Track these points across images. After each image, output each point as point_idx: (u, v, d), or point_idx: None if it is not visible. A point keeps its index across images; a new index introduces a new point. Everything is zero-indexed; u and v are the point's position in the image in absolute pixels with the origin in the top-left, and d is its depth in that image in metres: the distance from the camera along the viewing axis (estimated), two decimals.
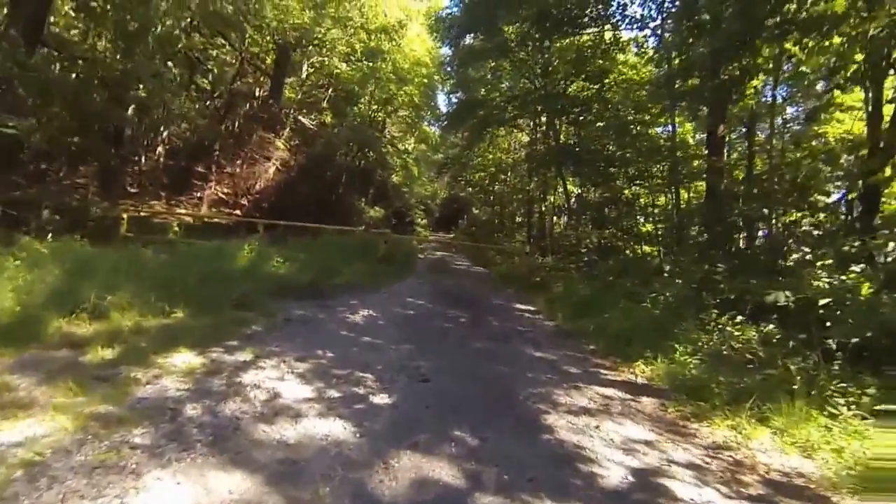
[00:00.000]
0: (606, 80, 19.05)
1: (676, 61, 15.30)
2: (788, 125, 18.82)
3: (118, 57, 15.31)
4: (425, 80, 28.57)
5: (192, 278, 8.08)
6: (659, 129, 18.37)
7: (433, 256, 24.22)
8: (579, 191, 22.37)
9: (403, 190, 41.88)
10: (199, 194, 19.78)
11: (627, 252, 16.61)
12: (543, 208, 27.22)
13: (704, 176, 14.31)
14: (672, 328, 7.80)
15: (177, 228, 16.68)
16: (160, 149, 19.73)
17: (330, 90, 26.04)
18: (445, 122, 30.13)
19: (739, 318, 7.54)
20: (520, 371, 6.31)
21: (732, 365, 6.15)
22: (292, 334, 6.81)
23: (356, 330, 7.54)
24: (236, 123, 22.56)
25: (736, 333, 7.17)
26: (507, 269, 18.02)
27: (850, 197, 10.34)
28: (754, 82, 12.97)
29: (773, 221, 11.57)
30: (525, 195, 29.31)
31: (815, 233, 10.10)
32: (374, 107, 28.79)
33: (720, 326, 7.57)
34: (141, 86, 15.65)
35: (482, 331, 8.59)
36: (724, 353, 6.69)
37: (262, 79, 24.03)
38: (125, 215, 15.26)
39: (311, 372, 5.28)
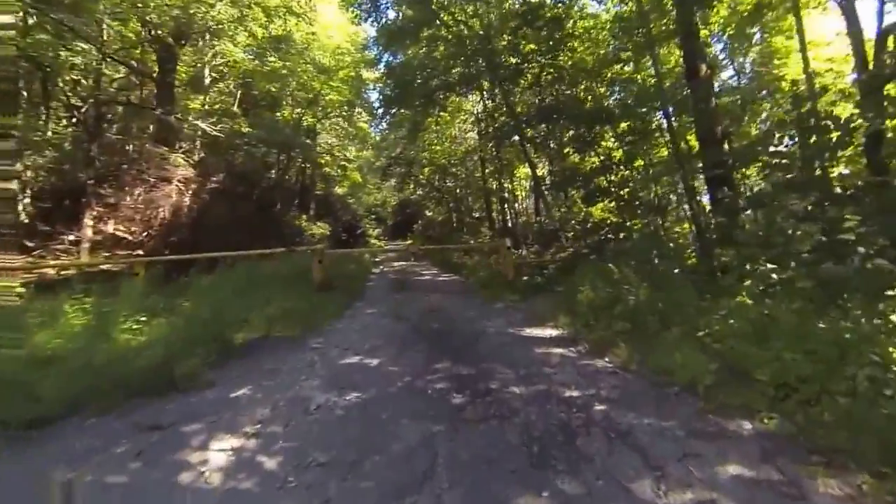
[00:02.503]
0: (563, 30, 14.65)
1: None
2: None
3: None
4: (352, 74, 23.48)
5: None
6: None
7: (391, 268, 19.19)
8: (548, 168, 17.84)
9: (350, 201, 36.90)
10: (75, 237, 14.16)
11: (631, 228, 12.18)
12: (506, 195, 22.73)
13: None
14: None
15: (21, 290, 10.06)
16: (10, 185, 14.30)
17: (239, 92, 20.70)
18: (381, 110, 24.82)
19: None
20: None
21: None
22: None
23: None
24: (130, 145, 17.22)
25: None
26: (486, 274, 13.25)
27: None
28: None
29: None
30: (483, 179, 24.66)
31: None
32: (299, 111, 23.69)
33: None
34: None
35: (507, 429, 3.84)
36: None
37: (149, 86, 18.42)
38: None
39: None
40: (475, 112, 24.95)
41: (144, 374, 4.93)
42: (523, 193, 26.56)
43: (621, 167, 12.00)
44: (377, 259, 22.26)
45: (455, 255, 18.53)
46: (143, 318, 6.97)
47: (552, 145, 16.26)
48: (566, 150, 15.52)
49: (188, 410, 4.46)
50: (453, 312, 8.92)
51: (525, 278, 12.00)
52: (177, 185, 16.08)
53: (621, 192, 11.81)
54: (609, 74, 14.85)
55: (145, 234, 15.01)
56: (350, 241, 30.81)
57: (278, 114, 22.85)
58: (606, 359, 5.49)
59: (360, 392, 4.76)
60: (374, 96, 28.39)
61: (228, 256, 11.35)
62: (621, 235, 12.31)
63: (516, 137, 16.97)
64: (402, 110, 21.45)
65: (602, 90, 15.01)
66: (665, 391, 4.46)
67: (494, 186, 24.76)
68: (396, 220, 48.45)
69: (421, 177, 30.28)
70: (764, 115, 14.55)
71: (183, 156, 16.61)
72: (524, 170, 22.84)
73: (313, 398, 4.68)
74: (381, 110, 24.08)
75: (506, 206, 24.71)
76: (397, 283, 13.56)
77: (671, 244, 9.33)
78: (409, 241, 35.57)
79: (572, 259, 11.83)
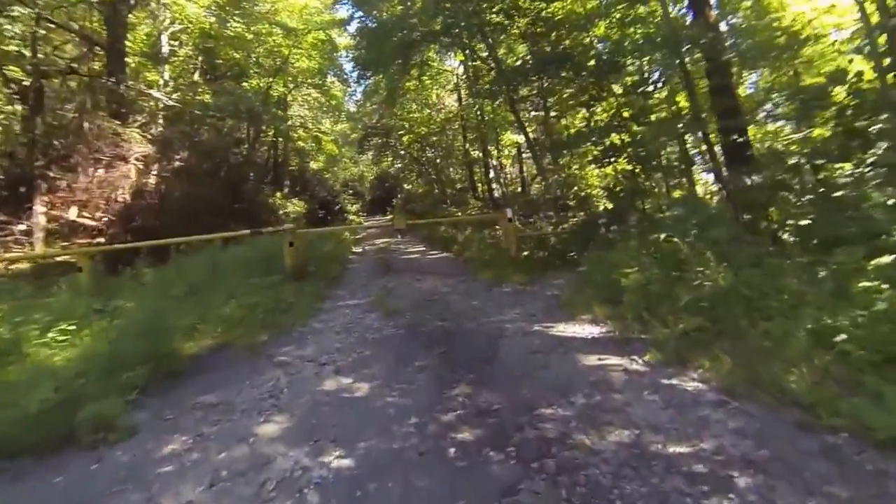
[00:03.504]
0: None
1: None
2: None
3: None
4: (322, 37, 21.23)
5: None
6: None
7: (373, 247, 17.36)
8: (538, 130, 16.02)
9: (326, 176, 34.70)
10: (25, 226, 12.24)
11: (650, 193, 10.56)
12: (494, 162, 20.89)
13: None
14: None
15: None
16: None
17: (200, 59, 18.38)
18: (355, 74, 22.50)
19: None
20: None
21: None
22: None
23: None
24: (85, 122, 14.95)
25: None
26: (483, 250, 11.59)
27: None
28: None
29: None
30: (465, 148, 22.80)
31: None
32: (268, 79, 21.41)
33: None
34: None
35: None
36: None
37: (98, 53, 15.98)
38: None
39: None
40: (456, 75, 23.06)
41: (40, 419, 3.37)
42: (508, 161, 24.74)
43: (634, 123, 10.22)
44: (357, 236, 20.33)
45: (442, 230, 16.71)
46: (72, 327, 5.39)
47: (547, 104, 14.41)
48: (562, 109, 13.70)
49: (80, 492, 2.91)
50: (455, 302, 7.25)
51: (525, 254, 10.43)
52: (135, 164, 14.10)
53: (639, 151, 10.04)
54: (604, 26, 12.84)
55: (104, 219, 13.15)
56: (327, 218, 28.89)
57: (245, 84, 20.58)
58: (693, 375, 3.91)
59: (345, 450, 3.14)
60: (347, 66, 26.26)
61: (189, 242, 9.51)
62: (642, 203, 10.64)
63: (500, 100, 15.16)
64: (379, 75, 19.39)
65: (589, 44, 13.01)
66: (834, 443, 2.81)
67: (478, 155, 22.98)
68: (375, 195, 46.35)
69: (399, 147, 28.22)
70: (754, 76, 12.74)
71: (139, 130, 14.43)
72: (509, 136, 21.07)
73: (273, 462, 3.03)
74: (355, 74, 21.96)
75: (490, 174, 22.87)
76: (382, 264, 11.82)
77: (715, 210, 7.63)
78: (389, 216, 33.54)
79: (583, 231, 10.18)
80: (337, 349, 5.21)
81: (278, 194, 23.37)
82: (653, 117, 10.43)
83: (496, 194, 21.80)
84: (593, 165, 11.58)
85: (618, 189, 10.99)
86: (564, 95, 12.89)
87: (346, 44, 23.56)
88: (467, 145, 23.49)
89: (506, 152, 22.69)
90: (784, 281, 4.69)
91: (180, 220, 13.98)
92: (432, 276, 9.76)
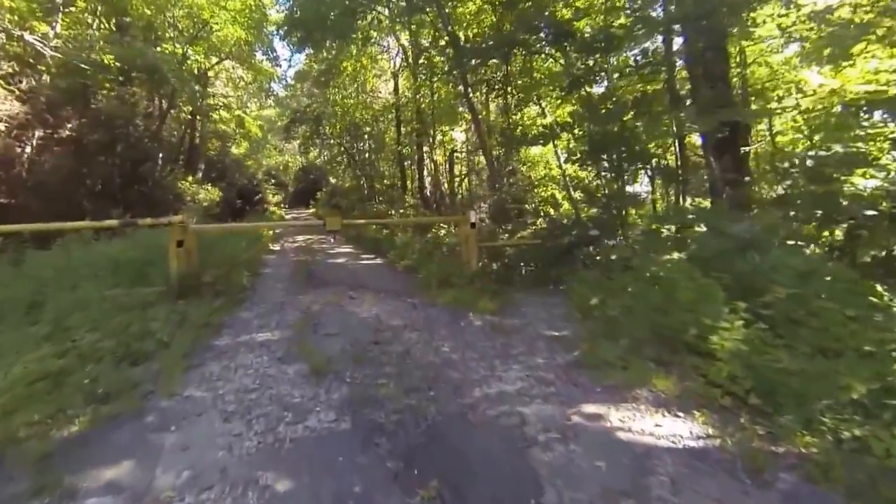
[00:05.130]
0: None
1: None
2: None
3: None
4: (250, 2, 17.80)
5: None
6: None
7: (293, 244, 14.29)
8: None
9: (248, 163, 30.77)
10: None
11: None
12: (436, 156, 18.34)
13: None
14: None
15: None
16: None
17: (99, 8, 14.46)
18: (285, 40, 18.98)
19: None
20: None
21: None
22: None
23: None
24: None
25: None
26: (422, 259, 9.19)
27: None
28: None
29: None
30: (398, 142, 20.11)
31: None
32: (185, 46, 17.70)
33: None
34: None
35: None
36: None
37: None
38: None
39: None
40: (394, 63, 20.56)
41: None
42: (444, 159, 22.32)
43: (633, 110, 8.02)
44: (276, 232, 16.97)
45: (374, 229, 13.88)
46: None
47: (509, 89, 11.98)
48: (527, 98, 11.34)
49: None
50: (415, 346, 4.65)
51: (479, 264, 8.16)
52: None
53: (636, 148, 7.84)
54: None
55: None
56: (246, 208, 25.37)
57: (158, 49, 16.71)
58: None
59: None
60: (278, 44, 22.85)
61: (22, 231, 6.23)
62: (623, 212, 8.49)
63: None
64: (315, 47, 16.31)
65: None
66: None
67: (409, 151, 20.43)
68: (298, 187, 42.49)
69: (330, 136, 24.96)
70: None
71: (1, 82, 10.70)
72: (448, 131, 18.75)
73: None
74: (286, 48, 18.80)
75: (424, 171, 20.32)
76: (303, 272, 8.98)
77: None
78: (312, 210, 30.07)
79: (551, 242, 7.98)
80: (220, 472, 2.49)
81: (190, 179, 19.67)
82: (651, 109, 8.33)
83: (427, 192, 19.48)
84: (577, 165, 9.23)
85: (599, 195, 8.86)
86: (539, 77, 10.52)
87: (276, 18, 20.24)
88: (401, 138, 20.85)
89: (440, 151, 20.26)
90: None
91: (54, 201, 10.74)
92: (371, 293, 7.09)
